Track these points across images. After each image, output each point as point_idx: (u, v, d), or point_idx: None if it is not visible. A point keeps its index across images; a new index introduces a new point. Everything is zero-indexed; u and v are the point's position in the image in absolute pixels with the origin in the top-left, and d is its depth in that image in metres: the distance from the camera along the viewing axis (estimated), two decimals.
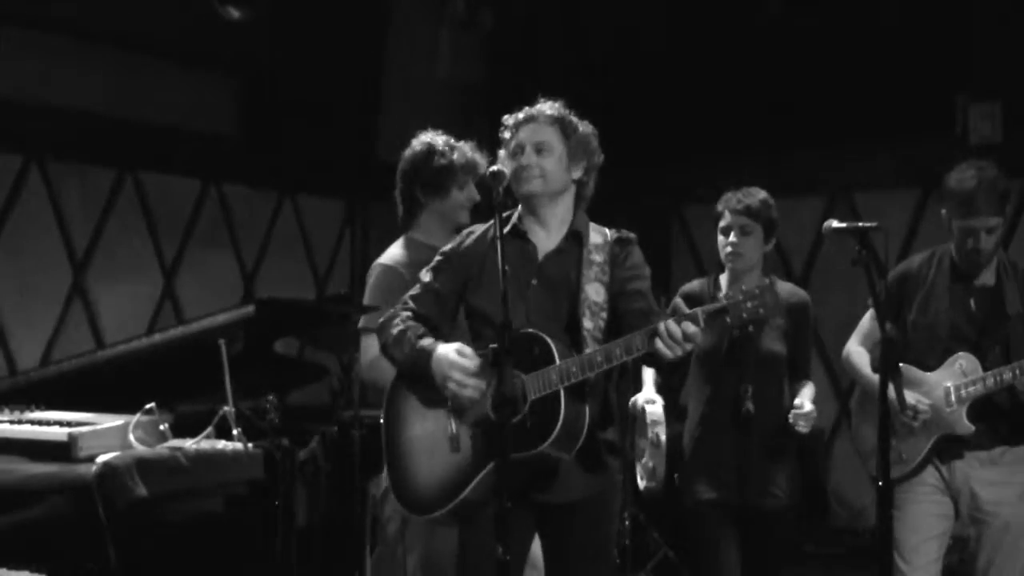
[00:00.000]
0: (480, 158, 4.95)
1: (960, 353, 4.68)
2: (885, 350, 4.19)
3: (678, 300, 3.80)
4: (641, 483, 4.90)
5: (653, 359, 3.75)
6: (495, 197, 3.81)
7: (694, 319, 3.67)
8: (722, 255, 4.89)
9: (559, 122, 4.06)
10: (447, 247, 4.17)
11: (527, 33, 9.40)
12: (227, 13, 7.52)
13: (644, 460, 4.83)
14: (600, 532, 4.02)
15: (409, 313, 4.05)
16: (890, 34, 8.48)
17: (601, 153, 4.15)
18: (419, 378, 3.95)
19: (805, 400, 4.75)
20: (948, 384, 4.66)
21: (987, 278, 4.75)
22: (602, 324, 3.93)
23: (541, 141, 4.01)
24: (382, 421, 4.10)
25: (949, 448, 4.71)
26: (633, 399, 4.90)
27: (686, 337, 3.65)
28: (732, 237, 4.84)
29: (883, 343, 4.20)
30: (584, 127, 4.11)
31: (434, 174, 4.89)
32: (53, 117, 7.49)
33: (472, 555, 3.97)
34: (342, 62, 8.71)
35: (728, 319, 3.70)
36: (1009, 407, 4.65)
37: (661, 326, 3.65)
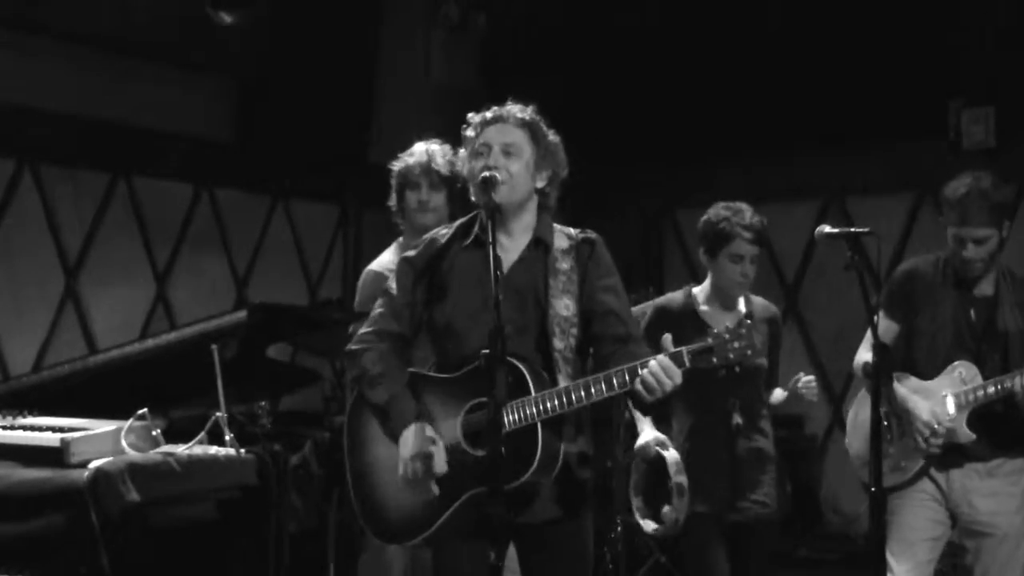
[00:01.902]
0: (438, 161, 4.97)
1: (959, 361, 4.67)
2: (877, 358, 4.19)
3: (666, 339, 3.68)
4: (650, 527, 4.79)
5: (633, 397, 3.62)
6: (487, 204, 3.70)
7: (679, 360, 3.56)
8: (729, 278, 4.81)
9: (529, 126, 3.86)
10: (409, 253, 4.00)
11: (520, 37, 9.40)
12: (220, 18, 7.52)
13: (667, 510, 4.68)
14: (577, 547, 3.89)
15: (385, 343, 3.88)
16: (884, 39, 8.49)
17: (567, 166, 3.95)
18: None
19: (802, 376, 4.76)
20: (948, 392, 4.66)
21: (986, 288, 4.72)
22: (572, 342, 3.79)
23: (510, 143, 3.82)
24: (344, 440, 3.98)
25: (947, 457, 4.69)
26: (644, 443, 4.78)
27: (669, 376, 3.53)
28: (748, 268, 4.79)
29: (875, 350, 4.19)
30: (553, 136, 3.92)
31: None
32: (46, 121, 7.48)
33: (445, 563, 3.89)
34: (335, 66, 8.71)
35: (714, 359, 3.57)
36: (1006, 418, 4.63)
37: (644, 371, 3.54)
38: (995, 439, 4.65)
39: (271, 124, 8.55)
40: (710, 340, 3.58)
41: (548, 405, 3.61)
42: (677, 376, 3.55)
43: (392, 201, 5.08)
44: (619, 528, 6.79)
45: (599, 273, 3.87)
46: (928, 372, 4.73)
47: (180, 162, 8.27)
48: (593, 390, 3.61)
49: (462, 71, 9.49)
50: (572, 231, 3.94)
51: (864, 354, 4.89)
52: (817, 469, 8.96)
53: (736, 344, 3.55)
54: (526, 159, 3.83)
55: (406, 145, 5.14)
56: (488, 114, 3.91)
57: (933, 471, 4.70)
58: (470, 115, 3.95)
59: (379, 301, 4.01)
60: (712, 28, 9.10)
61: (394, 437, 3.77)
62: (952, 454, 4.68)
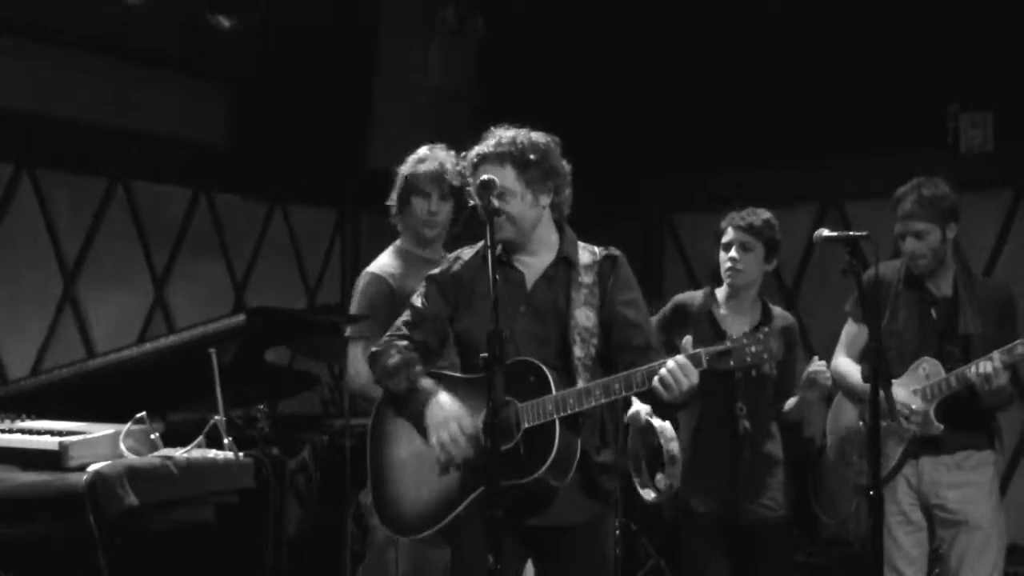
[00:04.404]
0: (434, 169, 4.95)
1: (923, 358, 4.80)
2: (875, 360, 4.20)
3: (686, 340, 3.74)
4: (649, 496, 4.84)
5: (652, 397, 3.71)
6: (486, 206, 3.74)
7: (697, 360, 3.64)
8: (722, 270, 4.90)
9: (510, 158, 3.87)
10: (434, 271, 4.09)
11: (518, 42, 9.39)
12: (218, 23, 7.51)
13: (659, 477, 4.74)
14: (598, 557, 3.96)
15: (405, 342, 3.99)
16: (883, 43, 8.50)
17: (566, 165, 3.99)
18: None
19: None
20: (914, 388, 4.76)
21: (945, 288, 4.87)
22: (593, 351, 3.86)
23: (500, 188, 3.82)
24: (368, 439, 4.05)
25: (917, 452, 4.82)
26: (634, 411, 4.81)
27: (687, 375, 3.61)
28: (733, 252, 4.85)
29: (873, 353, 4.21)
30: (539, 150, 3.90)
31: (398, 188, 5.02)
32: (44, 126, 7.47)
33: (463, 567, 3.93)
34: (333, 71, 8.70)
35: (731, 362, 3.64)
36: (971, 411, 4.75)
37: (663, 370, 3.61)
38: (962, 433, 4.78)
39: (269, 128, 8.54)
40: (728, 343, 3.66)
41: (567, 402, 3.67)
42: (694, 376, 3.62)
43: (392, 201, 5.06)
44: (618, 531, 6.79)
45: (619, 287, 3.95)
46: (898, 372, 4.82)
47: (178, 167, 8.27)
48: (612, 389, 3.69)
49: (460, 75, 9.48)
50: (596, 248, 4.03)
51: (840, 358, 4.99)
52: (814, 474, 8.94)
53: (754, 349, 3.61)
54: (519, 194, 3.88)
55: (404, 149, 5.14)
56: (473, 156, 3.95)
57: (906, 467, 4.83)
58: (462, 155, 4.03)
59: (404, 312, 4.10)
60: (710, 34, 9.10)
61: (417, 417, 3.85)
62: (922, 449, 4.80)
